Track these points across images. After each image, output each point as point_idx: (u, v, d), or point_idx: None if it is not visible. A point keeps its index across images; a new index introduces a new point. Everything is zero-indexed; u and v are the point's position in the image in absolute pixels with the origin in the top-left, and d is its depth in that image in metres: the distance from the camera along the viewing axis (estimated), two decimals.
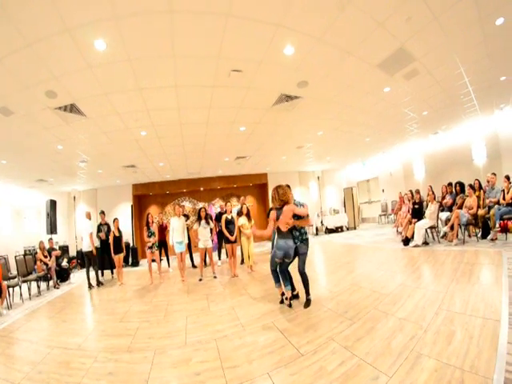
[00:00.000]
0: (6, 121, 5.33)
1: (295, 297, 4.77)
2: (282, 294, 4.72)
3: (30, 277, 7.27)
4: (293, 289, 4.72)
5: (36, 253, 8.49)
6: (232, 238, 7.28)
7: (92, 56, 3.86)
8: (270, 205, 11.33)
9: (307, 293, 4.55)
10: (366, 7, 3.64)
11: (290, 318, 4.02)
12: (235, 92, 5.34)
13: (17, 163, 8.18)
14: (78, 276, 9.72)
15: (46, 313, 5.45)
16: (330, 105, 6.56)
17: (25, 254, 8.16)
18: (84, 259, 8.01)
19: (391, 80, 5.68)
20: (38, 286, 7.29)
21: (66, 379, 2.94)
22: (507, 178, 7.02)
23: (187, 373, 2.90)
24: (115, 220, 8.18)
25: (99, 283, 7.77)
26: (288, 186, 4.65)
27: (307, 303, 4.45)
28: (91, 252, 7.77)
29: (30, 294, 6.89)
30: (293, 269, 4.65)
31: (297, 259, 4.58)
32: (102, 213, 9.15)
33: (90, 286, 7.54)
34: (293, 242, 4.44)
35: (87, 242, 7.76)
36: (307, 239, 4.62)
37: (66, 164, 8.74)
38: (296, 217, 4.45)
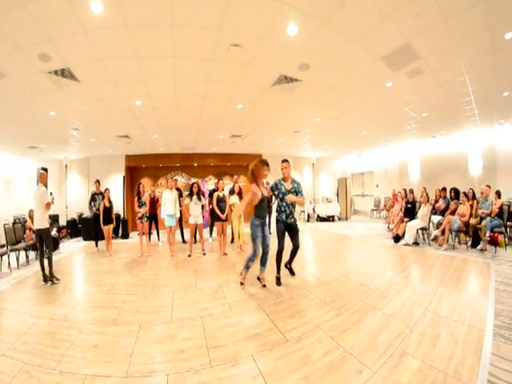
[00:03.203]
0: None
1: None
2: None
3: (19, 245, 7.14)
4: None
5: (25, 221, 8.34)
6: (223, 216, 7.26)
7: (88, 18, 3.63)
8: None
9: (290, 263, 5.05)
10: None
11: (276, 302, 4.05)
12: (234, 68, 5.14)
13: (8, 128, 7.94)
14: (68, 245, 9.66)
15: (33, 282, 5.39)
16: (329, 92, 6.39)
17: (14, 223, 7.98)
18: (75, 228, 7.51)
19: (394, 75, 5.54)
20: (27, 256, 7.19)
21: (51, 351, 2.92)
22: (498, 194, 7.41)
23: (172, 349, 2.91)
24: (106, 190, 8.11)
25: (46, 278, 5.31)
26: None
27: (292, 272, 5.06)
28: (46, 230, 5.42)
29: (18, 264, 6.80)
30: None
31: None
32: (97, 182, 9.12)
33: (46, 277, 5.32)
34: None
35: (41, 216, 5.38)
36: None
37: (59, 131, 8.50)
38: None
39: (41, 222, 5.35)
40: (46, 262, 5.33)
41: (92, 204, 8.82)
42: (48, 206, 5.39)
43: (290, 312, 3.71)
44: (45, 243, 5.38)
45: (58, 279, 5.32)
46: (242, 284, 4.75)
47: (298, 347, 2.87)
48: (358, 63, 5.10)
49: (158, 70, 5.08)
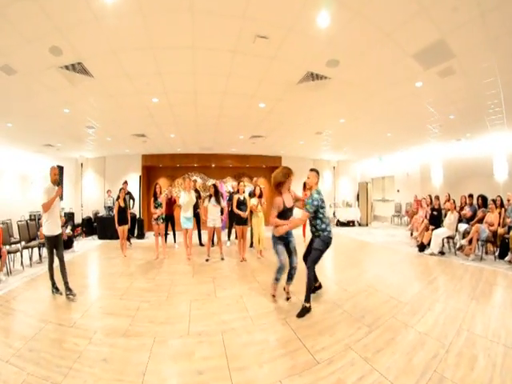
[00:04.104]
0: (10, 80, 4.95)
1: (316, 288, 4.55)
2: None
3: (32, 243, 6.99)
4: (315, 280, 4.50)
5: (40, 219, 8.23)
6: (244, 215, 6.98)
7: (100, 6, 3.36)
8: None
9: (306, 298, 3.93)
10: None
11: (303, 317, 3.74)
12: (258, 61, 4.79)
13: (22, 126, 7.84)
14: (82, 244, 9.54)
15: (44, 282, 5.10)
16: (357, 91, 6.05)
17: (28, 220, 7.86)
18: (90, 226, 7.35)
19: (424, 74, 5.20)
20: (40, 255, 7.04)
21: (57, 361, 2.69)
22: None
23: (189, 369, 2.63)
24: (121, 190, 7.94)
25: (55, 287, 4.67)
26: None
27: (301, 312, 3.83)
28: (47, 238, 4.55)
29: (30, 261, 6.66)
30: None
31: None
32: (126, 182, 9.21)
33: (56, 287, 4.67)
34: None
35: (45, 219, 4.58)
36: (326, 236, 4.03)
37: (74, 129, 8.37)
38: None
39: (45, 227, 4.56)
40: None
41: None
42: (44, 207, 4.46)
43: (318, 329, 3.40)
44: (56, 248, 4.64)
45: (58, 290, 4.64)
46: (273, 296, 4.44)
47: (330, 371, 2.58)
48: (390, 60, 4.76)
49: (176, 63, 4.79)
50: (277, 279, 4.37)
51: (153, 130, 8.90)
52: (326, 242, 4.02)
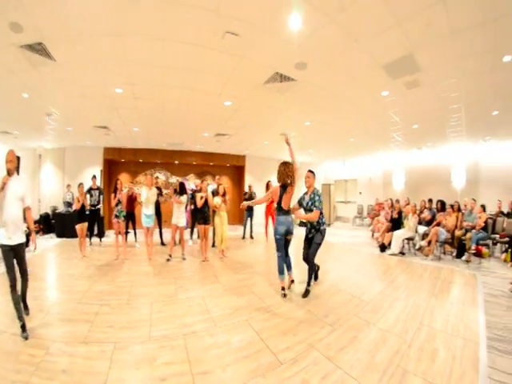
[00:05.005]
0: None
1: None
2: (283, 288, 4.62)
3: None
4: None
5: None
6: (200, 203, 6.81)
7: None
8: (246, 188, 11.12)
9: (308, 283, 4.64)
10: None
11: (266, 317, 3.78)
12: (227, 59, 4.73)
13: None
14: (39, 243, 8.87)
15: None
16: (323, 95, 6.15)
17: None
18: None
19: (392, 84, 5.45)
20: None
21: (13, 377, 2.48)
22: (483, 208, 7.91)
23: (151, 376, 2.56)
24: (80, 185, 7.48)
25: (23, 325, 3.23)
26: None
27: (306, 293, 4.54)
28: (17, 247, 3.45)
29: None
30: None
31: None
32: (94, 177, 8.94)
33: (24, 327, 3.24)
34: (292, 218, 4.59)
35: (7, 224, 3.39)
36: (324, 229, 4.66)
37: (33, 116, 7.83)
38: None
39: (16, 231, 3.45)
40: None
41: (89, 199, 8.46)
42: (28, 210, 3.58)
43: (281, 329, 3.45)
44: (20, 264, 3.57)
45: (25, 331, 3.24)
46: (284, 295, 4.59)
47: (294, 371, 2.63)
48: (359, 68, 4.92)
49: (144, 53, 4.59)
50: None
51: (116, 122, 8.52)
52: (324, 235, 4.66)
